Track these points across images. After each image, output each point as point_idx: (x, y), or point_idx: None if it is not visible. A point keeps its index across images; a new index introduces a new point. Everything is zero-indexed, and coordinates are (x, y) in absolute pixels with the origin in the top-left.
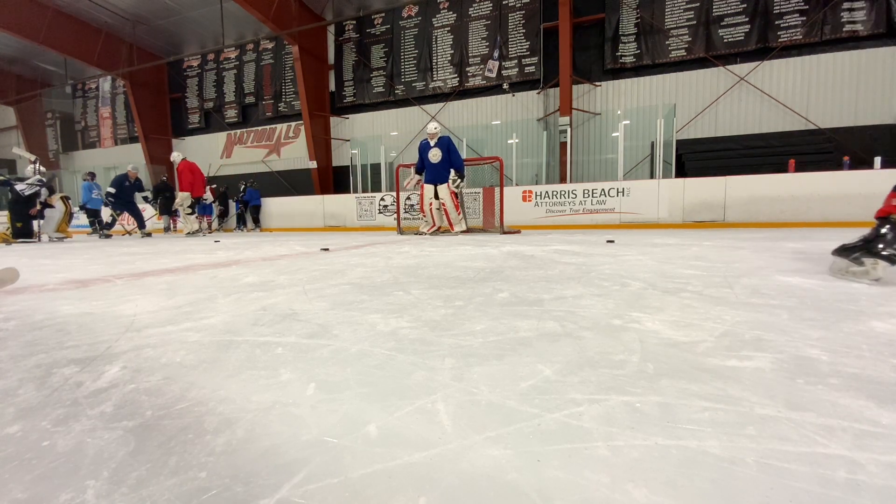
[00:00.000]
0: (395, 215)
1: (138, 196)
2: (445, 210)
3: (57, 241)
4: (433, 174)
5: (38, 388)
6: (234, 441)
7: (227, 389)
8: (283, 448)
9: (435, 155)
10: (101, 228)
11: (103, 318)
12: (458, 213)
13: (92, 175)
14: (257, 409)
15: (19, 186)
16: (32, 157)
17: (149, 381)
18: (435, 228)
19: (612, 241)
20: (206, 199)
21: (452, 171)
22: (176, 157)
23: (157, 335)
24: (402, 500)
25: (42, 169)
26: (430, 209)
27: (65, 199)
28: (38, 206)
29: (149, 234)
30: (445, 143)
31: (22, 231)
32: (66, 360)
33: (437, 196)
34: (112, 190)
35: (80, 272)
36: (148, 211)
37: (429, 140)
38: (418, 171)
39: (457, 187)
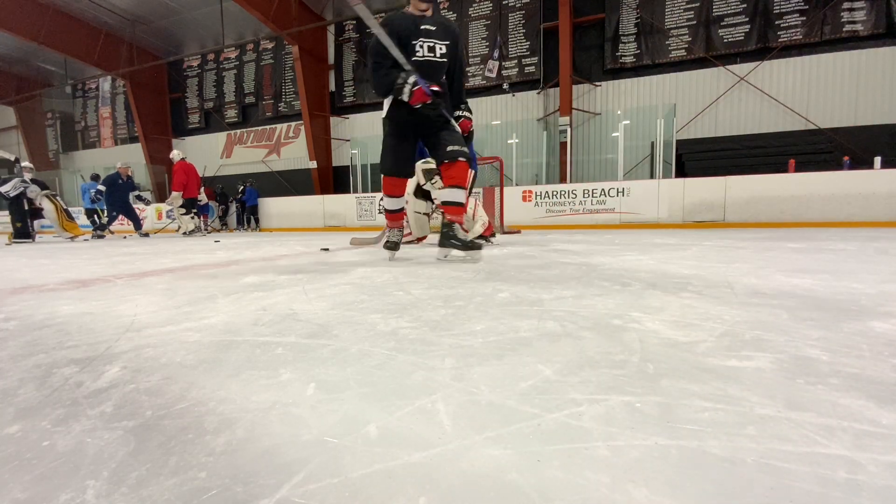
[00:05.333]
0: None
1: (132, 196)
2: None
3: (68, 241)
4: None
5: (38, 388)
6: (234, 441)
7: (227, 389)
8: (283, 448)
9: None
10: (95, 229)
11: (103, 318)
12: (471, 212)
13: (96, 177)
14: (257, 409)
15: (4, 188)
16: (12, 157)
17: (149, 381)
18: (414, 239)
19: None
20: (200, 201)
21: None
22: (175, 154)
23: (157, 335)
24: (402, 500)
25: (28, 165)
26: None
27: (51, 196)
28: (27, 206)
29: (146, 235)
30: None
31: (21, 231)
32: (66, 360)
33: (420, 193)
34: (102, 188)
35: (80, 272)
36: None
37: None
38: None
39: (430, 181)
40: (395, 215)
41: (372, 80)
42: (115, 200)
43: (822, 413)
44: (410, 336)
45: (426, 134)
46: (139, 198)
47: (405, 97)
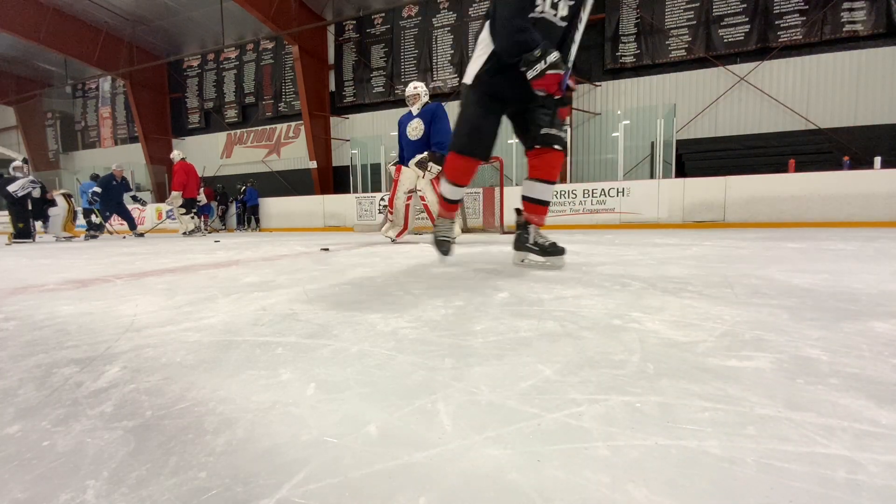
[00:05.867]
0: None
1: (127, 196)
2: (426, 207)
3: (65, 241)
4: (410, 157)
5: (38, 388)
6: (234, 441)
7: (227, 389)
8: (283, 448)
9: (414, 129)
10: (88, 229)
11: (103, 318)
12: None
13: (95, 177)
14: (257, 409)
15: (12, 187)
16: (19, 157)
17: (149, 381)
18: (405, 232)
19: None
20: (200, 201)
21: (427, 153)
22: (175, 155)
23: (157, 335)
24: (402, 500)
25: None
26: (405, 205)
27: (66, 196)
28: (31, 207)
29: (141, 235)
30: (431, 111)
31: (23, 232)
32: (66, 360)
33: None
34: (98, 190)
35: (80, 272)
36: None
37: (410, 109)
38: (399, 159)
39: (426, 170)
40: (454, 206)
41: (500, 22)
42: (109, 201)
43: (822, 413)
44: (410, 336)
45: (519, 109)
46: (135, 198)
47: (532, 73)
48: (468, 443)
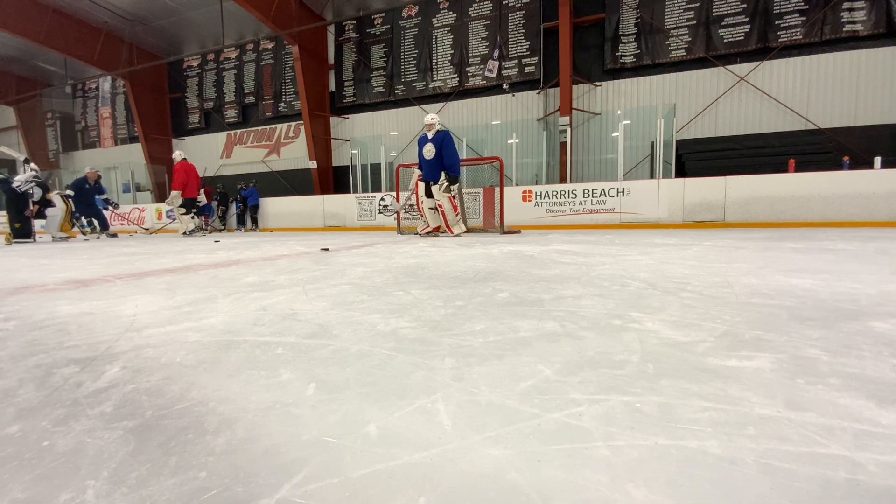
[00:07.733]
0: (395, 215)
1: (101, 199)
2: (442, 212)
3: (61, 241)
4: (426, 171)
5: (38, 388)
6: (234, 441)
7: (227, 389)
8: (283, 448)
9: (429, 151)
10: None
11: (103, 318)
12: (457, 215)
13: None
14: (257, 409)
15: (15, 182)
16: (22, 156)
17: (149, 381)
18: (430, 229)
19: None
20: (200, 201)
21: (443, 174)
22: (177, 155)
23: (157, 335)
24: (402, 500)
25: (35, 167)
26: (423, 209)
27: (65, 197)
28: (31, 206)
29: (114, 235)
30: (440, 139)
31: (21, 232)
32: (66, 360)
33: (430, 195)
34: (70, 192)
35: (80, 272)
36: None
37: (426, 132)
38: (420, 167)
39: (445, 191)
40: None
41: None
42: (81, 203)
43: (822, 413)
44: (410, 336)
45: None
46: (107, 201)
47: None
48: (468, 443)
